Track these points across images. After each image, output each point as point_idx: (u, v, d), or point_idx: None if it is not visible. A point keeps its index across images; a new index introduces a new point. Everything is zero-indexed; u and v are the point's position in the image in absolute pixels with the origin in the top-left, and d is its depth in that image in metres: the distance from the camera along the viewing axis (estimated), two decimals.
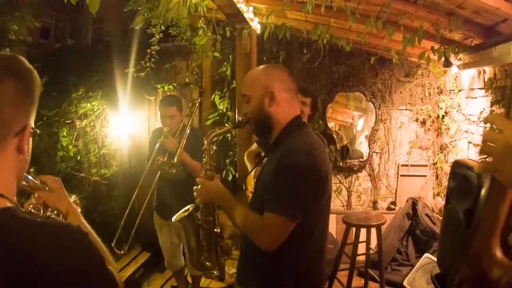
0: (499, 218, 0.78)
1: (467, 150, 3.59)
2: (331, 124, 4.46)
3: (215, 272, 1.78)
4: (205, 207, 1.66)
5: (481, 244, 0.82)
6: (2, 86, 0.75)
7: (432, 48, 3.28)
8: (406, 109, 4.39)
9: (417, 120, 4.38)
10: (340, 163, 4.27)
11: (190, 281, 3.45)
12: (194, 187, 1.57)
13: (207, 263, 1.72)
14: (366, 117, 4.68)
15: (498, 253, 0.79)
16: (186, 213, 1.73)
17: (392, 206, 4.37)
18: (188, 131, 2.92)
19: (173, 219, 1.77)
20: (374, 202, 4.41)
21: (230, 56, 4.36)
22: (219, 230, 1.70)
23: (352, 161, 4.39)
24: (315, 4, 3.45)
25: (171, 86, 4.42)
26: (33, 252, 0.69)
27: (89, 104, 4.40)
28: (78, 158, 4.48)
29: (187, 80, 4.50)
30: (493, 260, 0.79)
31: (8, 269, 0.66)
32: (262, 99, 1.48)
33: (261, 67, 1.59)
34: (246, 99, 1.53)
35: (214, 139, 1.69)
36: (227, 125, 4.09)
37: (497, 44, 2.75)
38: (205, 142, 1.64)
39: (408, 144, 4.41)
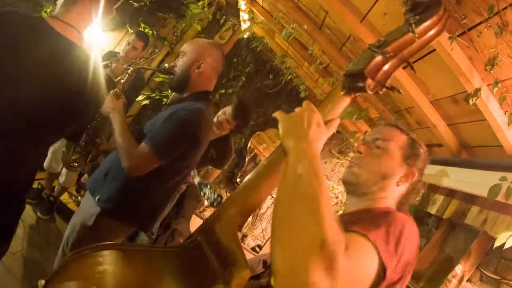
0: None
1: None
2: (250, 148, 4.58)
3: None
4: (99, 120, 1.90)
5: None
6: None
7: (365, 132, 3.42)
8: None
9: None
10: (237, 181, 4.37)
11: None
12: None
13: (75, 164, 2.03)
14: None
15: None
16: None
17: (257, 249, 4.46)
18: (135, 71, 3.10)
19: None
20: (244, 236, 4.50)
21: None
22: (98, 141, 1.97)
23: None
24: (297, 40, 3.63)
25: (151, 32, 4.57)
26: None
27: None
28: None
29: (166, 36, 4.64)
30: None
31: None
32: (192, 62, 1.72)
33: (208, 40, 1.85)
34: (181, 56, 1.75)
35: (136, 67, 1.94)
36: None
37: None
38: (131, 68, 1.88)
39: None
